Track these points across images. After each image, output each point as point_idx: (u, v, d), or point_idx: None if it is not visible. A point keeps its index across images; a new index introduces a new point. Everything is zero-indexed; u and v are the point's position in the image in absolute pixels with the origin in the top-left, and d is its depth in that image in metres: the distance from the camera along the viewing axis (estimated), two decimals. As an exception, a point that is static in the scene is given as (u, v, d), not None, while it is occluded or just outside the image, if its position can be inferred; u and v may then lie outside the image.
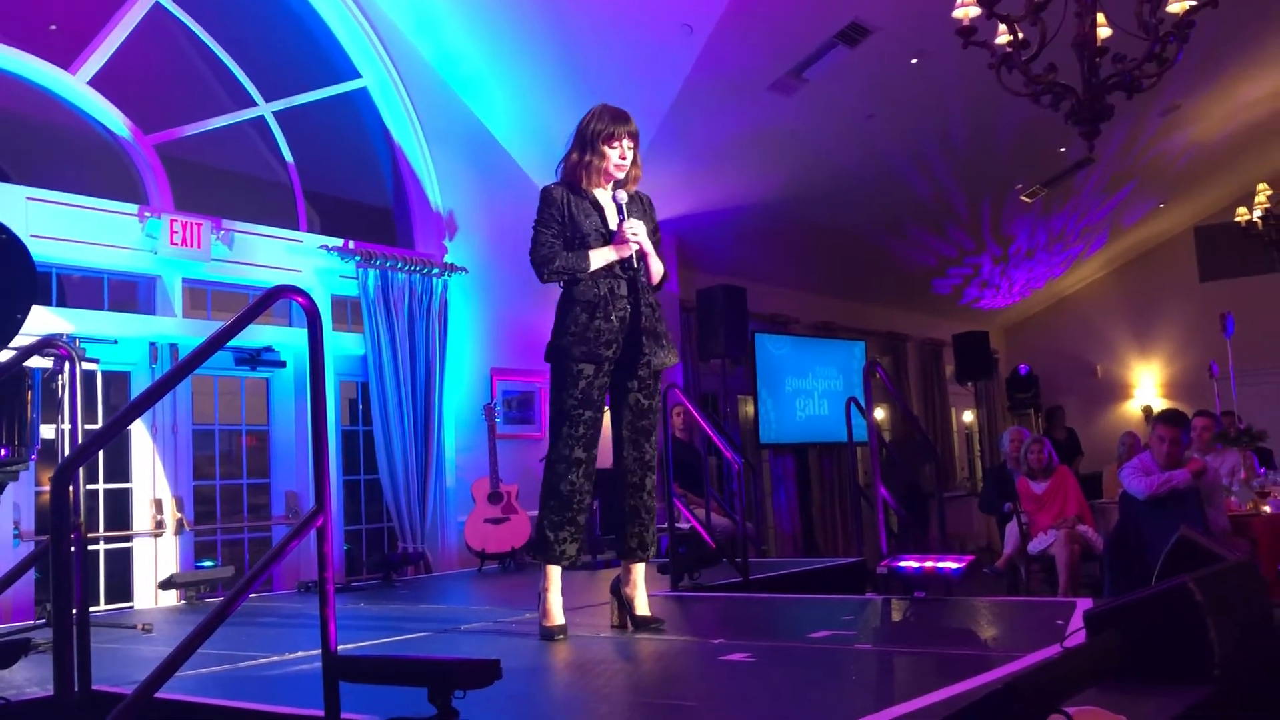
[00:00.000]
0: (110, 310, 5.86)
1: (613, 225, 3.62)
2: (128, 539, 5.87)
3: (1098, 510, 7.64)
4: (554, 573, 3.57)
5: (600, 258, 3.57)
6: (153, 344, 5.95)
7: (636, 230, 3.58)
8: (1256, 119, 10.22)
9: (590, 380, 3.53)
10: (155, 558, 5.88)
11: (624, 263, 3.59)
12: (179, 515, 5.94)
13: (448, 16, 6.96)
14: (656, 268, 3.69)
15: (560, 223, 3.59)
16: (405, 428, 6.71)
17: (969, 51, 4.55)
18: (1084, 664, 2.19)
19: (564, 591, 3.63)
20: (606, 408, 3.68)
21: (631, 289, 3.60)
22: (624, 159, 3.62)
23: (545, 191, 3.65)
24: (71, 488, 2.19)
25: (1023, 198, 10.26)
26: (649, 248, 3.64)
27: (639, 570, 3.68)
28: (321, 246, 6.59)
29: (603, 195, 3.67)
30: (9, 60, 5.61)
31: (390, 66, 7.09)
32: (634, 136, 3.65)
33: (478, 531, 6.64)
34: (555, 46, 6.84)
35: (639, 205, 3.74)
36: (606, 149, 3.59)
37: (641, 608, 3.65)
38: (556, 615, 3.55)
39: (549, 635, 3.50)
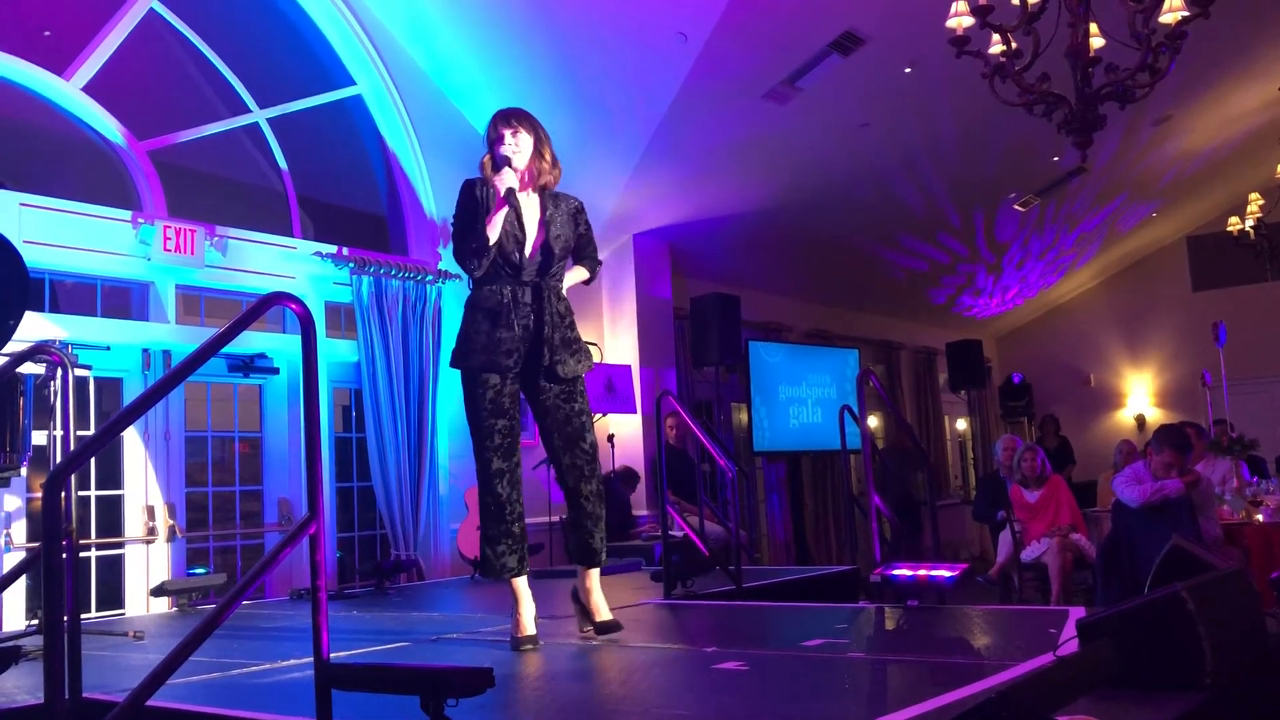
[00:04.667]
0: (103, 316, 5.85)
1: (528, 226, 3.58)
2: (119, 546, 5.85)
3: (1091, 519, 7.65)
4: (518, 585, 3.56)
5: (494, 224, 3.46)
6: (145, 350, 5.94)
7: (509, 180, 3.50)
8: (1248, 129, 10.26)
9: (499, 389, 3.50)
10: (147, 565, 5.86)
11: (529, 269, 3.51)
12: (171, 522, 5.92)
13: (442, 24, 6.97)
14: (584, 269, 3.69)
15: (473, 212, 3.55)
16: (399, 435, 6.70)
17: (962, 61, 4.56)
18: (1077, 672, 2.19)
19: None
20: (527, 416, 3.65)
21: (535, 296, 3.55)
22: (515, 151, 3.55)
23: (463, 185, 3.62)
24: (63, 494, 2.18)
25: (1016, 207, 10.29)
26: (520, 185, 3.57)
27: (593, 576, 3.67)
28: (315, 253, 6.58)
29: (525, 196, 3.61)
30: (2, 66, 5.60)
31: (385, 73, 7.09)
32: (525, 128, 3.59)
33: (471, 539, 6.62)
34: (550, 54, 6.85)
35: (563, 208, 3.67)
36: (497, 148, 3.58)
37: (601, 613, 3.65)
38: (527, 626, 3.54)
39: (518, 646, 3.48)
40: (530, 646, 3.48)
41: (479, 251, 3.48)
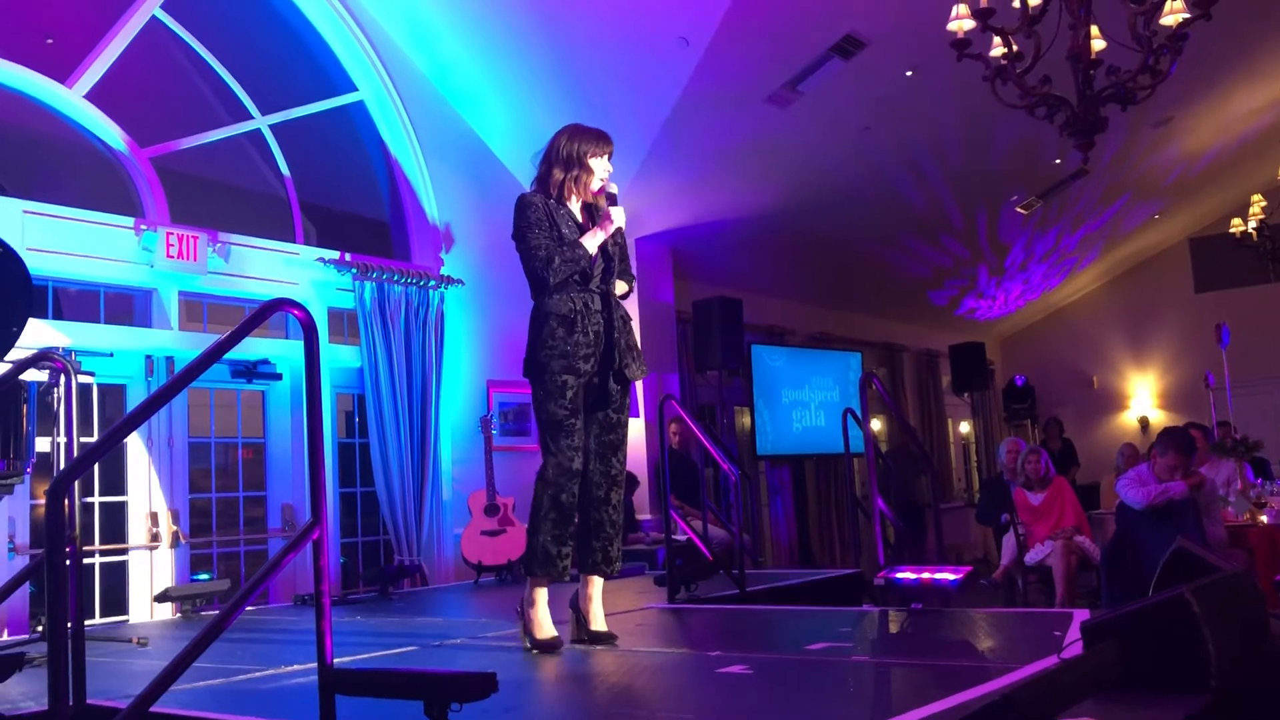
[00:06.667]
0: (106, 323, 5.86)
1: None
2: (123, 552, 5.85)
3: (1095, 521, 7.63)
4: (543, 587, 3.57)
5: (592, 242, 3.62)
6: (149, 357, 5.95)
7: (617, 215, 3.67)
8: (1250, 130, 10.26)
9: (575, 391, 3.55)
10: (151, 571, 5.86)
11: (595, 277, 3.63)
12: (175, 528, 5.93)
13: (444, 29, 6.98)
14: (624, 283, 3.76)
15: (548, 225, 3.62)
16: (401, 440, 6.71)
17: (964, 64, 4.56)
18: (1081, 675, 2.19)
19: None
20: None
21: (605, 303, 3.66)
22: (609, 171, 3.72)
23: (523, 199, 3.69)
24: (67, 501, 2.18)
25: (1018, 209, 10.29)
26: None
27: (598, 584, 3.68)
28: (318, 259, 6.59)
29: (575, 209, 3.73)
30: (5, 74, 5.61)
31: (386, 80, 7.10)
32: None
33: (474, 544, 6.63)
34: (552, 59, 6.86)
35: None
36: (593, 162, 3.68)
37: (597, 623, 3.65)
38: (549, 627, 3.55)
39: (546, 648, 3.50)
40: (555, 649, 3.49)
41: (570, 267, 3.56)
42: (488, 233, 7.44)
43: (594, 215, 3.75)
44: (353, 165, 7.34)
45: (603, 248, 3.67)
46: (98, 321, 5.84)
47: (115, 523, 5.86)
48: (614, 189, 3.75)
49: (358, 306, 6.67)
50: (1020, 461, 7.31)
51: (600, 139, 3.73)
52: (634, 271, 3.93)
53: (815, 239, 9.61)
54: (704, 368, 8.89)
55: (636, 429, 8.23)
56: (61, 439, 3.53)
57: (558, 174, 3.68)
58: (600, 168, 3.71)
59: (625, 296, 3.79)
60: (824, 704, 2.62)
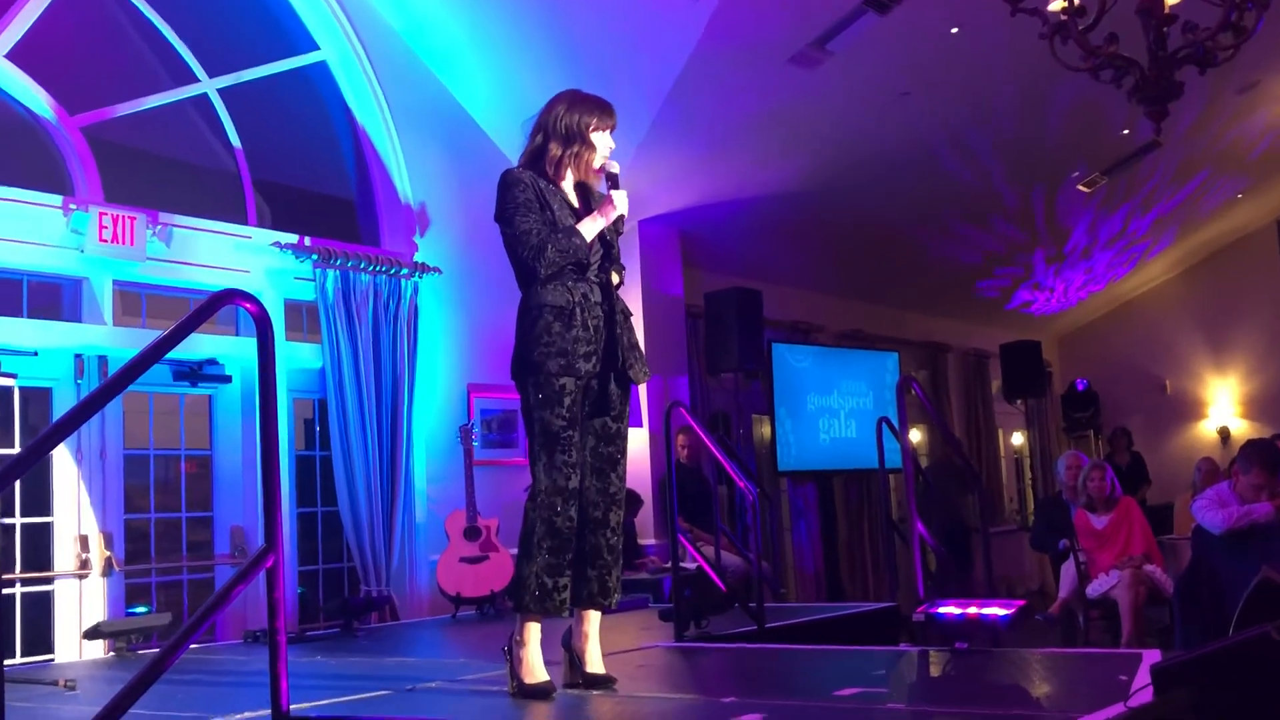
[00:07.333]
0: (29, 317, 5.86)
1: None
2: (48, 581, 5.86)
3: (1167, 547, 7.64)
4: (536, 624, 3.57)
5: (591, 229, 3.63)
6: (79, 356, 5.96)
7: (620, 200, 3.67)
8: (1349, 96, 10.25)
9: (574, 397, 3.55)
10: (80, 603, 5.87)
11: (593, 265, 3.65)
12: (107, 554, 5.93)
13: (419, -20, 6.99)
14: (617, 275, 3.77)
15: (538, 207, 3.63)
16: (369, 452, 6.71)
17: (1017, 20, 4.56)
18: (1151, 726, 2.19)
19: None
20: None
21: (605, 294, 3.67)
22: (612, 148, 3.73)
23: (509, 176, 3.68)
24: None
25: (1080, 187, 10.28)
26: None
27: (594, 620, 3.67)
28: (273, 244, 6.60)
29: (568, 188, 3.75)
30: (-86, 30, 5.63)
31: (353, 37, 7.11)
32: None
33: (452, 572, 6.63)
34: (542, 13, 6.86)
35: (599, 199, 3.80)
36: (596, 137, 3.69)
37: (594, 664, 3.64)
38: (540, 670, 3.54)
39: (536, 694, 3.49)
40: (546, 695, 3.49)
41: (565, 258, 3.56)
42: (469, 213, 7.45)
43: (588, 195, 3.75)
44: (313, 135, 7.35)
45: (600, 234, 3.68)
46: (20, 315, 5.84)
47: (39, 547, 5.86)
48: (615, 168, 3.75)
49: (319, 298, 6.68)
50: (1082, 479, 7.31)
51: (604, 110, 3.73)
52: (622, 261, 3.94)
53: (846, 221, 9.61)
54: (717, 370, 8.90)
55: (639, 441, 8.24)
56: (-22, 451, 3.55)
57: (555, 149, 3.68)
58: (603, 143, 3.71)
59: (618, 287, 3.79)
60: (854, 758, 2.62)
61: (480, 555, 6.70)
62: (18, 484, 5.45)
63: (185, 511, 6.49)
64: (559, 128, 3.67)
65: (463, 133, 7.65)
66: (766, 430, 9.78)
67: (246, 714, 3.51)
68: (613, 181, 3.72)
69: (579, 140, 3.67)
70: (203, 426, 6.60)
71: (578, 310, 3.57)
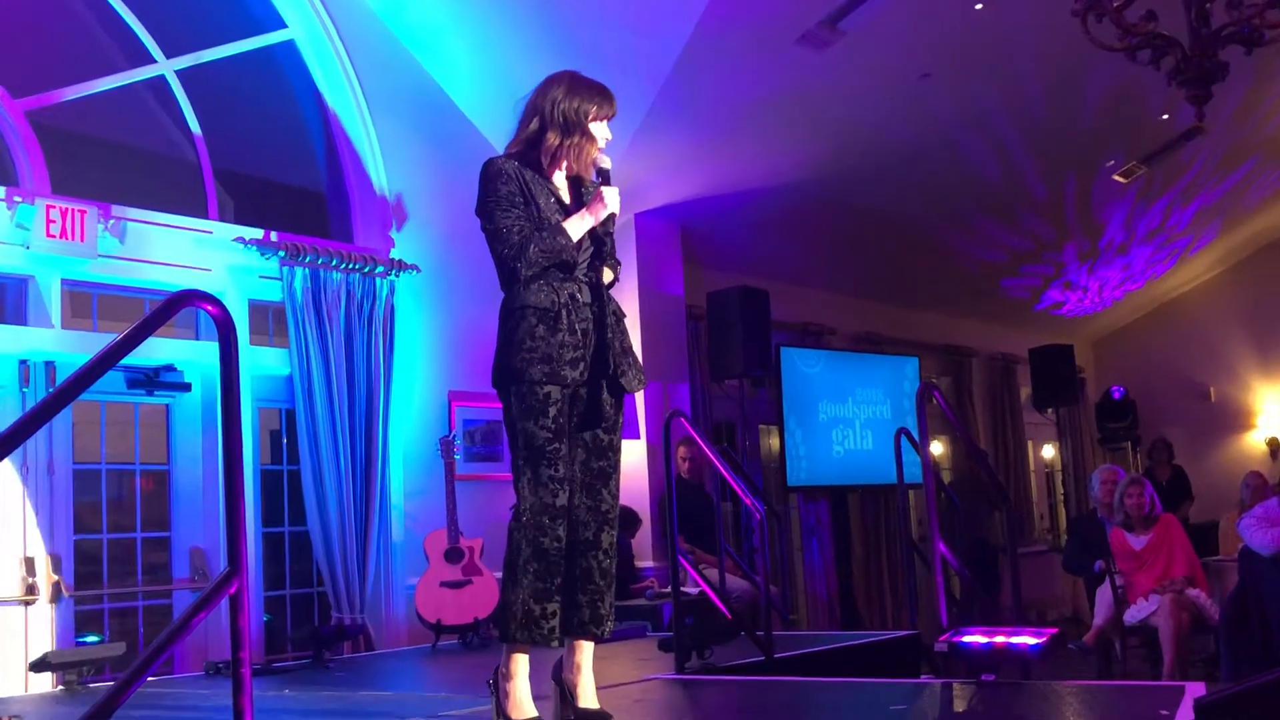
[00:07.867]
0: (-30, 320, 5.87)
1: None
2: (-9, 608, 5.86)
3: (1212, 570, 7.64)
4: (523, 655, 3.56)
5: (578, 228, 3.61)
6: (23, 362, 5.95)
7: (611, 198, 3.65)
8: (1407, 79, 10.28)
9: (560, 406, 3.54)
10: (26, 632, 5.86)
11: (582, 263, 3.64)
12: (55, 578, 5.93)
13: (395, -48, 7.01)
14: (610, 269, 3.77)
15: (522, 201, 3.62)
16: (341, 467, 6.71)
17: (1047, -4, 4.58)
18: (1195, 765, 2.20)
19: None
20: None
21: (595, 294, 3.66)
22: (608, 140, 3.72)
23: (492, 166, 3.66)
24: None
25: (1116, 177, 10.30)
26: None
27: (586, 651, 3.64)
28: (236, 239, 6.60)
29: (559, 181, 3.73)
30: None
31: (323, 14, 7.12)
32: None
33: (432, 598, 6.63)
34: (530, -11, 6.88)
35: (591, 191, 3.78)
36: (595, 128, 3.67)
37: (587, 699, 3.62)
38: (528, 705, 3.53)
39: None
40: None
41: (548, 258, 3.55)
42: (450, 206, 7.45)
43: (579, 189, 3.75)
44: (280, 121, 7.35)
45: (591, 229, 3.67)
46: (-40, 318, 5.85)
47: (-19, 571, 5.86)
48: (606, 163, 3.71)
49: (286, 299, 6.68)
50: (1118, 495, 7.32)
51: (605, 97, 3.71)
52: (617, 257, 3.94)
53: (861, 215, 9.62)
54: (721, 376, 8.90)
55: (637, 454, 8.24)
56: (-86, 466, 3.55)
57: (552, 138, 3.65)
58: (600, 134, 3.70)
59: (610, 286, 3.79)
60: (872, 801, 2.62)
61: (463, 579, 6.70)
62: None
63: (140, 531, 6.49)
64: (556, 115, 3.64)
65: (443, 118, 7.65)
66: (775, 442, 9.78)
67: (208, 753, 3.51)
68: (604, 177, 3.70)
69: (579, 130, 3.65)
70: (160, 438, 6.59)
71: (564, 312, 3.56)
